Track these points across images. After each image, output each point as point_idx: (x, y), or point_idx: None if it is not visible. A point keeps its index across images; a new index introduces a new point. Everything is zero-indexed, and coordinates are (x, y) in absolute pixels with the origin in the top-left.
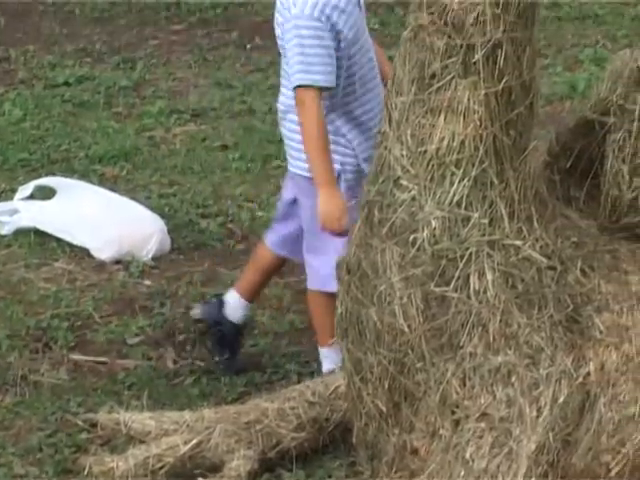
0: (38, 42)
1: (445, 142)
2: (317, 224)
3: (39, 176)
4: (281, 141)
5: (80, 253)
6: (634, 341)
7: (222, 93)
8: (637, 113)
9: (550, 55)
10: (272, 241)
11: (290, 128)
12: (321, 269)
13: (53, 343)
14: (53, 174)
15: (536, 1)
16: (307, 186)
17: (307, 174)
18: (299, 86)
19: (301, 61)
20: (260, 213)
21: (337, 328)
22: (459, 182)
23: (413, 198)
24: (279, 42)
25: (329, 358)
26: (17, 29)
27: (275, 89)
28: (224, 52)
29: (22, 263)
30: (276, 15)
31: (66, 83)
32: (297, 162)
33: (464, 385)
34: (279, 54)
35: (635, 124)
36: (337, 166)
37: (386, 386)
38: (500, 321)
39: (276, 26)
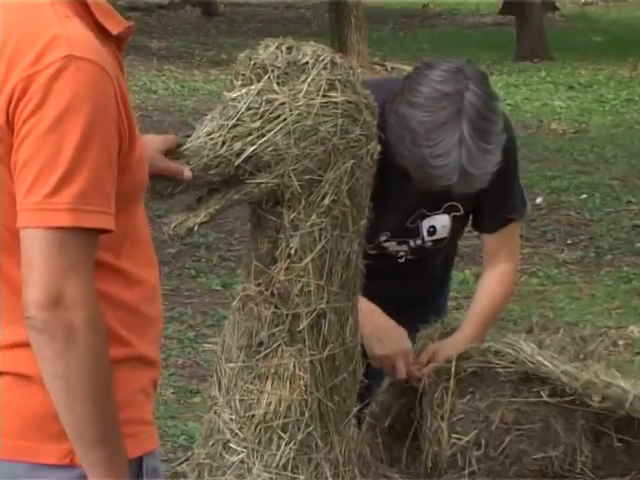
0: None
1: (272, 407)
2: None
3: None
4: None
5: None
6: None
7: None
8: (453, 370)
9: None
10: None
11: None
12: None
13: None
14: None
15: (361, 271)
16: None
17: None
18: None
19: None
20: None
21: None
22: (286, 445)
23: (242, 461)
24: None
25: None
26: None
27: None
28: None
29: None
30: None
31: None
32: None
33: None
34: None
35: (452, 381)
36: None
37: None
38: None
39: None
